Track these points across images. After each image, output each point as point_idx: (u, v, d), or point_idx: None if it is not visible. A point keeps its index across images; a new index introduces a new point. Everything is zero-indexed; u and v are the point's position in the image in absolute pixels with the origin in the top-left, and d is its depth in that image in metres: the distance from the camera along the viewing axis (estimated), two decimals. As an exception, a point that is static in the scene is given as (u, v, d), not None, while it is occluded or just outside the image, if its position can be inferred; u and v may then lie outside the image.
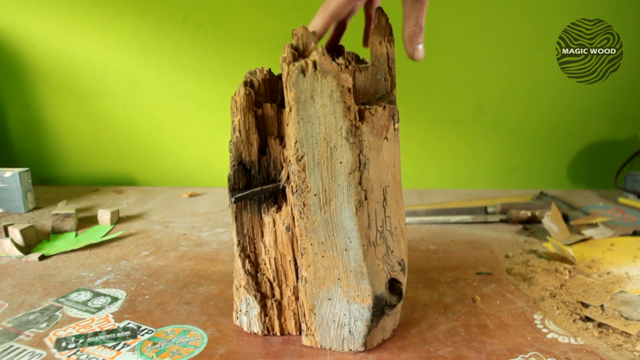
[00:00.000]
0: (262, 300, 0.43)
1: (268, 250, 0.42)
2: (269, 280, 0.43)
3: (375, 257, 0.40)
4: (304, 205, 0.38)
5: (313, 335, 0.42)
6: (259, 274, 0.43)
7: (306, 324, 0.42)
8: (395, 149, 0.40)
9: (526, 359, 0.40)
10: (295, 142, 0.37)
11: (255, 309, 0.43)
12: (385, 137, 0.38)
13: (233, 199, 0.40)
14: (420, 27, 0.43)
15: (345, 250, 0.39)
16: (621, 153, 1.01)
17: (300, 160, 0.37)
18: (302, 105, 0.36)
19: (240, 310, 0.45)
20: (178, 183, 1.09)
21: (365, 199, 0.38)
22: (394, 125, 0.39)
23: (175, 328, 0.45)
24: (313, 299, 0.41)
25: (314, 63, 0.34)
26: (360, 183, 0.37)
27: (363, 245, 0.38)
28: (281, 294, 0.43)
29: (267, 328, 0.44)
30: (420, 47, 0.43)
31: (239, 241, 0.43)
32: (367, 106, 0.38)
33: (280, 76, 0.42)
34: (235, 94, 0.40)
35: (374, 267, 0.39)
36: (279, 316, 0.44)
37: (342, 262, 0.39)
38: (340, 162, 0.37)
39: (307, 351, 0.41)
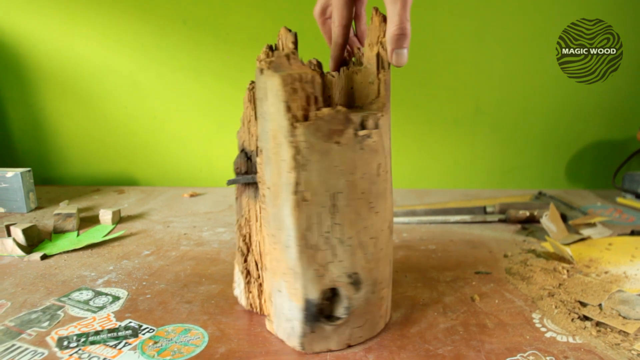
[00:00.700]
0: (247, 277, 0.46)
1: (258, 234, 0.45)
2: (255, 261, 0.46)
3: (313, 261, 0.38)
4: (263, 196, 0.40)
5: (272, 321, 0.44)
6: (249, 254, 0.46)
7: (267, 309, 0.44)
8: (357, 156, 0.38)
9: (525, 357, 0.40)
10: (257, 137, 0.39)
11: (242, 283, 0.47)
12: (337, 142, 0.37)
13: (227, 182, 0.45)
14: (403, 30, 0.38)
15: (287, 247, 0.39)
16: (619, 153, 1.01)
17: (260, 154, 0.40)
18: (260, 102, 0.38)
19: (235, 282, 0.49)
20: (179, 183, 1.09)
21: (305, 200, 0.37)
22: (355, 131, 0.37)
23: (176, 327, 0.45)
24: (270, 287, 0.42)
25: (270, 62, 0.36)
26: (298, 183, 0.37)
27: (299, 246, 0.38)
28: (263, 276, 0.45)
29: (251, 304, 0.47)
30: (404, 51, 0.38)
31: (237, 220, 0.46)
32: (319, 109, 0.37)
33: None
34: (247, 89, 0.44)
35: (309, 270, 0.38)
36: (259, 296, 0.46)
37: (285, 258, 0.39)
38: (283, 160, 0.37)
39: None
